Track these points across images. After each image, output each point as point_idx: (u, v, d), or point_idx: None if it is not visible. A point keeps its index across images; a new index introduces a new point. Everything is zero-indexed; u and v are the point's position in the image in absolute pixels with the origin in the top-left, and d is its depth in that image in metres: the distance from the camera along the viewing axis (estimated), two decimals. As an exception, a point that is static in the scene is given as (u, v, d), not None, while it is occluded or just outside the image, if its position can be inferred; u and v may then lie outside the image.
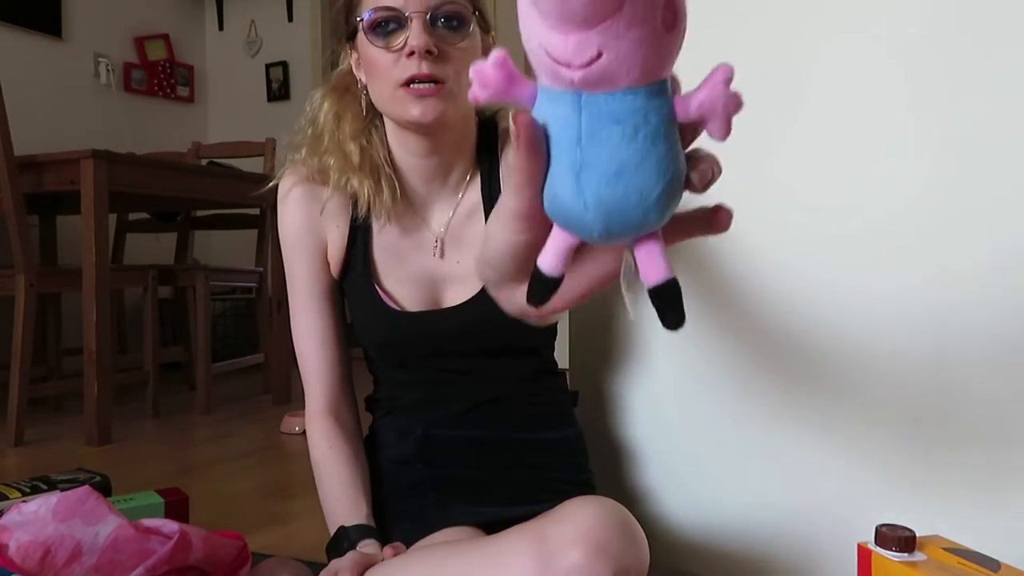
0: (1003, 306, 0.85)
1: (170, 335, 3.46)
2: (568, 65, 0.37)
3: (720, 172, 0.40)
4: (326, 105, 1.00)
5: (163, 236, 3.40)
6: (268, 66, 4.07)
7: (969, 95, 0.87)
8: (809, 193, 0.98)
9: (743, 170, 1.04)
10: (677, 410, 1.12)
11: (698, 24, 0.97)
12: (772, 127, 1.01)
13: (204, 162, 3.05)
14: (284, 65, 4.04)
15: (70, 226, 2.89)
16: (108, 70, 3.63)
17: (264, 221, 3.04)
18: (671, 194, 0.39)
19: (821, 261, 0.97)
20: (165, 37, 3.93)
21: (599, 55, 0.36)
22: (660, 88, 0.38)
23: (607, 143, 0.38)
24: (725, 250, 1.07)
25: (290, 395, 2.81)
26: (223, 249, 3.92)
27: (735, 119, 0.39)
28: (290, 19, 4.03)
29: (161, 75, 3.90)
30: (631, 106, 0.38)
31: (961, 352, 0.87)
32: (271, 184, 1.04)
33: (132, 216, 3.30)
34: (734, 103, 0.38)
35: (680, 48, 0.38)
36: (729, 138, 0.38)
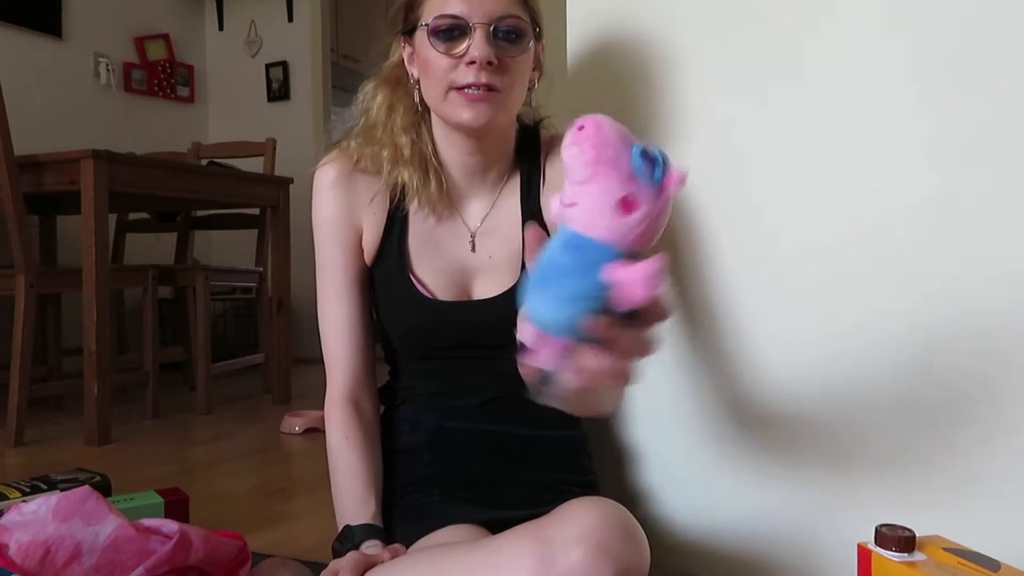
0: (1003, 308, 0.85)
1: (170, 335, 3.46)
2: (563, 203, 0.58)
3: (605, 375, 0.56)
4: (379, 97, 1.02)
5: (163, 236, 3.40)
6: (268, 66, 4.07)
7: (978, 95, 0.87)
8: (810, 199, 0.98)
9: (746, 181, 1.04)
10: (678, 412, 1.12)
11: (701, 31, 0.95)
12: (770, 139, 1.01)
13: (204, 162, 3.05)
14: (284, 65, 4.04)
15: (70, 226, 2.89)
16: (108, 70, 3.62)
17: (264, 221, 3.04)
18: (577, 313, 0.54)
19: (821, 264, 0.97)
20: (165, 37, 3.92)
21: (574, 203, 0.56)
22: (607, 250, 0.55)
23: (552, 255, 0.57)
24: (724, 255, 1.07)
25: (290, 395, 2.81)
26: (223, 249, 3.92)
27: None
28: (290, 19, 4.03)
29: (161, 75, 3.90)
30: (578, 243, 0.55)
31: (962, 353, 0.87)
32: (316, 167, 1.05)
33: (132, 216, 3.30)
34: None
35: (639, 231, 0.55)
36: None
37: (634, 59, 1.14)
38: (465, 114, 0.92)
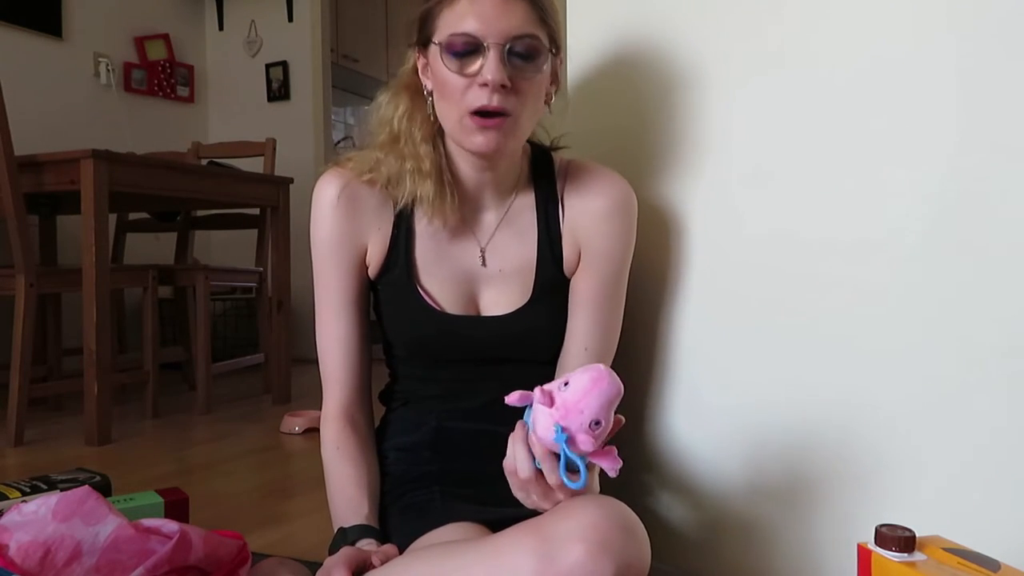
0: (1005, 308, 0.85)
1: (170, 335, 3.46)
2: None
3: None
4: (401, 107, 1.00)
5: (163, 236, 3.40)
6: (268, 66, 4.07)
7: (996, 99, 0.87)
8: (829, 205, 0.98)
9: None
10: (678, 410, 1.12)
11: (706, 42, 0.93)
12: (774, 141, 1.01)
13: (204, 162, 3.05)
14: (284, 65, 4.04)
15: (70, 226, 2.89)
16: (108, 70, 3.62)
17: (264, 221, 3.04)
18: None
19: (823, 261, 0.97)
20: (165, 37, 3.92)
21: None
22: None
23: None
24: (720, 252, 1.07)
25: (290, 395, 2.81)
26: (223, 249, 3.92)
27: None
28: (290, 19, 4.03)
29: (161, 75, 3.90)
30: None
31: (963, 352, 0.87)
32: (317, 182, 1.04)
33: (132, 216, 3.30)
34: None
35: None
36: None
37: (638, 72, 1.14)
38: (477, 139, 0.91)
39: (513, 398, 0.78)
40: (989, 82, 0.85)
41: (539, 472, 0.77)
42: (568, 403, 0.73)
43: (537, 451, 0.76)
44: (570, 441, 0.73)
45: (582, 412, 0.73)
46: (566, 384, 0.75)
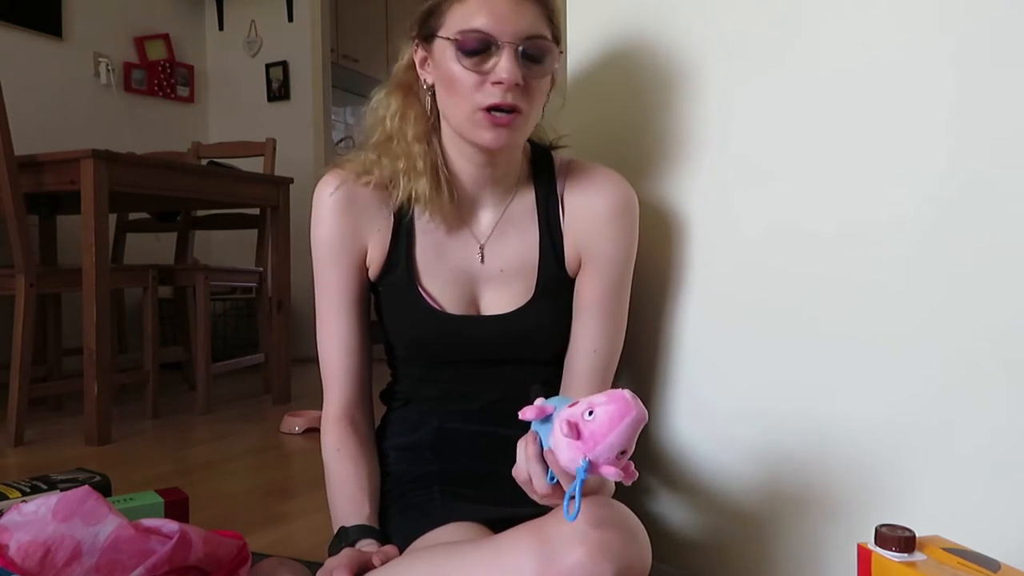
0: (1004, 306, 0.85)
1: (170, 335, 3.46)
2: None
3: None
4: (393, 106, 1.00)
5: (163, 236, 3.40)
6: (268, 66, 4.07)
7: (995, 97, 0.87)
8: (830, 205, 0.98)
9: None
10: (678, 410, 1.12)
11: (707, 39, 0.93)
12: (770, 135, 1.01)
13: (204, 162, 3.05)
14: (284, 65, 4.04)
15: (70, 226, 2.89)
16: (108, 70, 3.62)
17: (264, 221, 3.04)
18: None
19: (820, 257, 0.97)
20: (165, 37, 3.92)
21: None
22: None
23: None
24: (720, 251, 1.07)
25: (290, 395, 2.81)
26: (223, 249, 3.92)
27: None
28: (290, 19, 4.03)
29: (161, 75, 3.90)
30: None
31: (963, 352, 0.87)
32: (318, 183, 1.04)
33: (132, 216, 3.30)
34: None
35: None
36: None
37: (638, 69, 1.14)
38: (487, 136, 0.91)
39: (529, 414, 0.77)
40: (987, 82, 0.84)
41: (556, 485, 0.76)
42: (596, 435, 0.71)
43: (555, 468, 0.75)
44: (593, 470, 0.72)
45: (610, 445, 0.71)
46: (590, 413, 0.72)
